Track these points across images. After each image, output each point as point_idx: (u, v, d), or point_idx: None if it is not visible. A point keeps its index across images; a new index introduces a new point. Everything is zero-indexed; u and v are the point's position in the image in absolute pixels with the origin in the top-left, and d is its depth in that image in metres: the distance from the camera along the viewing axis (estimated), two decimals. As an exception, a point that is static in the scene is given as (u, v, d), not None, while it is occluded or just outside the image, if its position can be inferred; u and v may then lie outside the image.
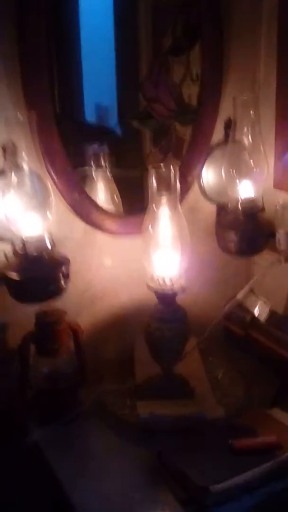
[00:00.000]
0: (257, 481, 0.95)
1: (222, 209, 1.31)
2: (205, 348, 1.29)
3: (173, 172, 1.08)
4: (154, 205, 1.10)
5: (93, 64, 1.32)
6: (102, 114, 1.38)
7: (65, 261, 1.08)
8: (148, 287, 1.13)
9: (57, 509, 1.03)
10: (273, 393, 1.16)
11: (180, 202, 1.12)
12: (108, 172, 1.27)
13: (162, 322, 1.13)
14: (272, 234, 1.25)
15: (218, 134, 1.30)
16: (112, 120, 1.34)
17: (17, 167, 1.02)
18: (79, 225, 1.20)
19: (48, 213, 1.05)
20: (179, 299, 1.15)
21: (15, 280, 1.04)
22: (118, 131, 1.29)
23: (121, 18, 1.29)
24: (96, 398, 1.17)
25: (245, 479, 0.94)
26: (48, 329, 1.11)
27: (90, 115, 1.37)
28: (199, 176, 1.31)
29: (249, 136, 1.21)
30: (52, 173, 1.12)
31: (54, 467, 1.03)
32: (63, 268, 1.06)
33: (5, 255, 1.07)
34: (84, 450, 1.09)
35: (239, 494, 0.93)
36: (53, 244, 1.07)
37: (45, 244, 1.06)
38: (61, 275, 1.06)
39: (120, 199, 1.29)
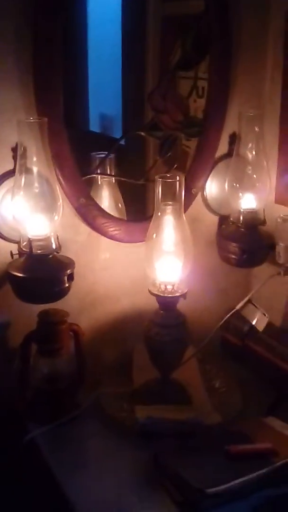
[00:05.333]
0: (253, 486, 0.95)
1: (224, 220, 1.34)
2: (202, 357, 1.30)
3: (179, 182, 1.11)
4: (159, 213, 1.12)
5: (99, 74, 1.36)
6: (107, 123, 1.41)
7: (70, 263, 1.10)
8: (150, 292, 1.15)
9: (55, 509, 1.03)
10: (269, 402, 1.18)
11: (184, 212, 1.14)
12: (113, 180, 1.30)
13: (162, 327, 1.15)
14: (272, 247, 1.28)
15: (222, 147, 1.33)
16: (117, 130, 1.37)
17: (27, 170, 1.05)
18: (84, 229, 1.22)
19: (55, 216, 1.07)
20: (179, 306, 1.17)
21: (20, 279, 1.06)
22: (123, 140, 1.32)
23: (129, 30, 1.33)
24: (94, 401, 1.17)
25: (240, 483, 0.95)
26: (50, 329, 1.12)
27: (94, 124, 1.40)
28: (203, 188, 1.33)
29: (253, 151, 1.25)
30: (60, 177, 1.13)
31: (52, 467, 1.04)
32: (68, 270, 1.08)
33: (11, 254, 1.09)
34: (81, 451, 1.09)
35: (234, 498, 0.94)
36: (58, 246, 1.09)
37: (51, 245, 1.08)
38: (65, 277, 1.08)
39: (124, 206, 1.32)
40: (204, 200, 1.35)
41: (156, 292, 1.14)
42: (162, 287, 1.14)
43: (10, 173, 1.09)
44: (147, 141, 1.33)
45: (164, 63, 1.31)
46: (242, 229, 1.27)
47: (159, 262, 1.13)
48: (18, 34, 1.05)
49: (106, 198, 1.30)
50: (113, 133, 1.39)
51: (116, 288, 1.30)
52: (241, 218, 1.27)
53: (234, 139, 1.30)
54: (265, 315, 1.28)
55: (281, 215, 1.27)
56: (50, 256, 1.08)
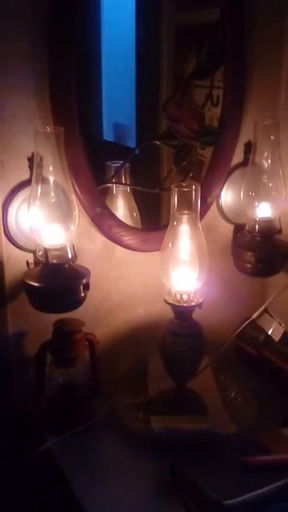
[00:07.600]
0: (270, 498, 0.95)
1: (239, 229, 1.34)
2: (218, 366, 1.29)
3: (195, 191, 1.10)
4: (175, 222, 1.12)
5: (113, 83, 1.36)
6: (121, 133, 1.41)
7: (86, 273, 1.09)
8: (165, 301, 1.14)
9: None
10: (286, 413, 1.16)
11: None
12: (128, 189, 1.30)
13: (178, 336, 1.15)
14: (288, 256, 1.27)
15: (238, 156, 1.33)
16: (131, 139, 1.37)
17: (43, 180, 1.05)
18: (100, 239, 1.22)
19: (71, 225, 1.07)
20: (194, 315, 1.16)
21: (36, 288, 1.06)
22: (137, 150, 1.32)
23: (143, 39, 1.32)
24: (110, 410, 1.17)
25: (258, 495, 0.94)
26: (65, 339, 1.12)
27: (108, 133, 1.40)
28: (218, 197, 1.33)
29: (269, 160, 1.24)
30: (76, 187, 1.14)
31: (66, 477, 1.03)
32: (84, 279, 1.08)
33: (27, 263, 1.09)
34: (97, 461, 1.09)
35: (252, 510, 0.93)
36: (74, 255, 1.09)
37: (67, 254, 1.08)
38: (81, 286, 1.07)
39: (139, 215, 1.32)
40: (220, 209, 1.35)
41: (171, 302, 1.14)
42: (178, 296, 1.14)
43: (26, 183, 1.09)
44: (161, 150, 1.33)
45: (179, 72, 1.31)
46: (258, 238, 1.27)
47: (174, 272, 1.13)
48: (33, 44, 1.06)
49: (121, 207, 1.30)
50: (127, 142, 1.39)
51: (132, 297, 1.30)
52: (257, 227, 1.26)
53: (249, 148, 1.29)
54: (281, 324, 1.27)
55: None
56: (66, 265, 1.07)
